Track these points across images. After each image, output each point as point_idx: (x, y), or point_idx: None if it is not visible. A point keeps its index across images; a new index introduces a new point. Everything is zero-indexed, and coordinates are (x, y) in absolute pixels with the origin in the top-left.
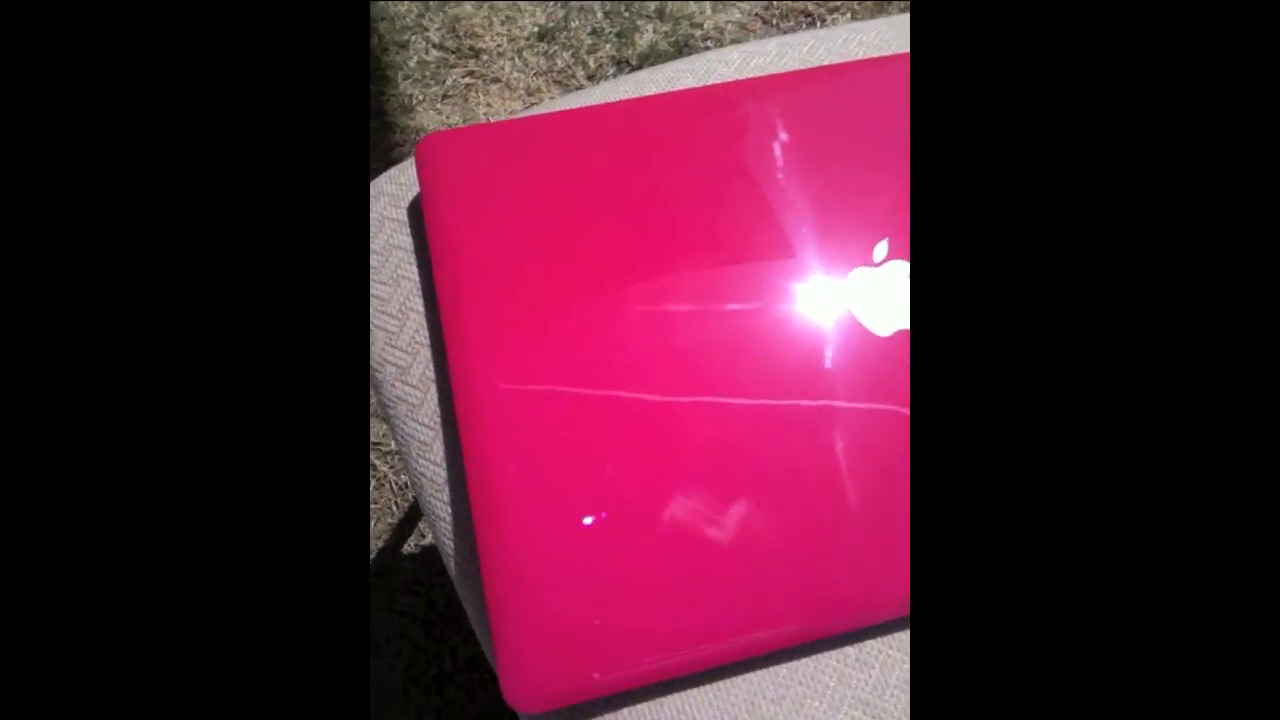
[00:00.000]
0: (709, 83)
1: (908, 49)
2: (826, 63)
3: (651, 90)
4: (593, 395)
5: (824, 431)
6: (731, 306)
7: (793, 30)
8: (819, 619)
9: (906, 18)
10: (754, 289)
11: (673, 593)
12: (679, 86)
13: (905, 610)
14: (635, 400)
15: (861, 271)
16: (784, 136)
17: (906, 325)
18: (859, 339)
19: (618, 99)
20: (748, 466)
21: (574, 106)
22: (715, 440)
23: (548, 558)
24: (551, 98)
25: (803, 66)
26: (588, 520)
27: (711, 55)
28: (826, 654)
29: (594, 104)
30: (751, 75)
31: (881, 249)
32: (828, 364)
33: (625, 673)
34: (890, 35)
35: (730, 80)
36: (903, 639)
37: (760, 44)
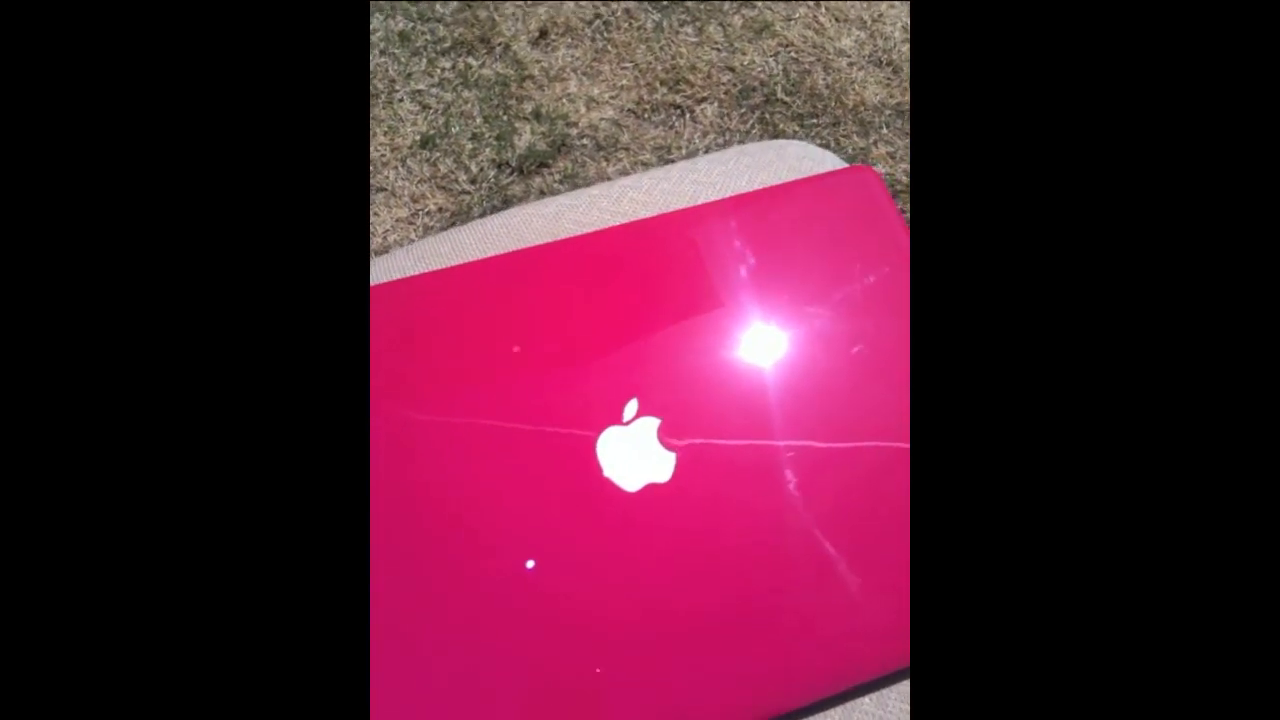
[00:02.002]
0: (585, 218)
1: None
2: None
3: (535, 224)
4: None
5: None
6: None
7: (664, 122)
8: None
9: (750, 148)
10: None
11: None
12: (560, 222)
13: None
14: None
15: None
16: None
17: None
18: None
19: (496, 231)
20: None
21: (462, 233)
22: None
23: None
24: (436, 204)
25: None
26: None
27: (630, 182)
28: None
29: (473, 260)
30: (622, 213)
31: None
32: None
33: None
34: (739, 166)
35: (579, 234)
36: None
37: (661, 172)
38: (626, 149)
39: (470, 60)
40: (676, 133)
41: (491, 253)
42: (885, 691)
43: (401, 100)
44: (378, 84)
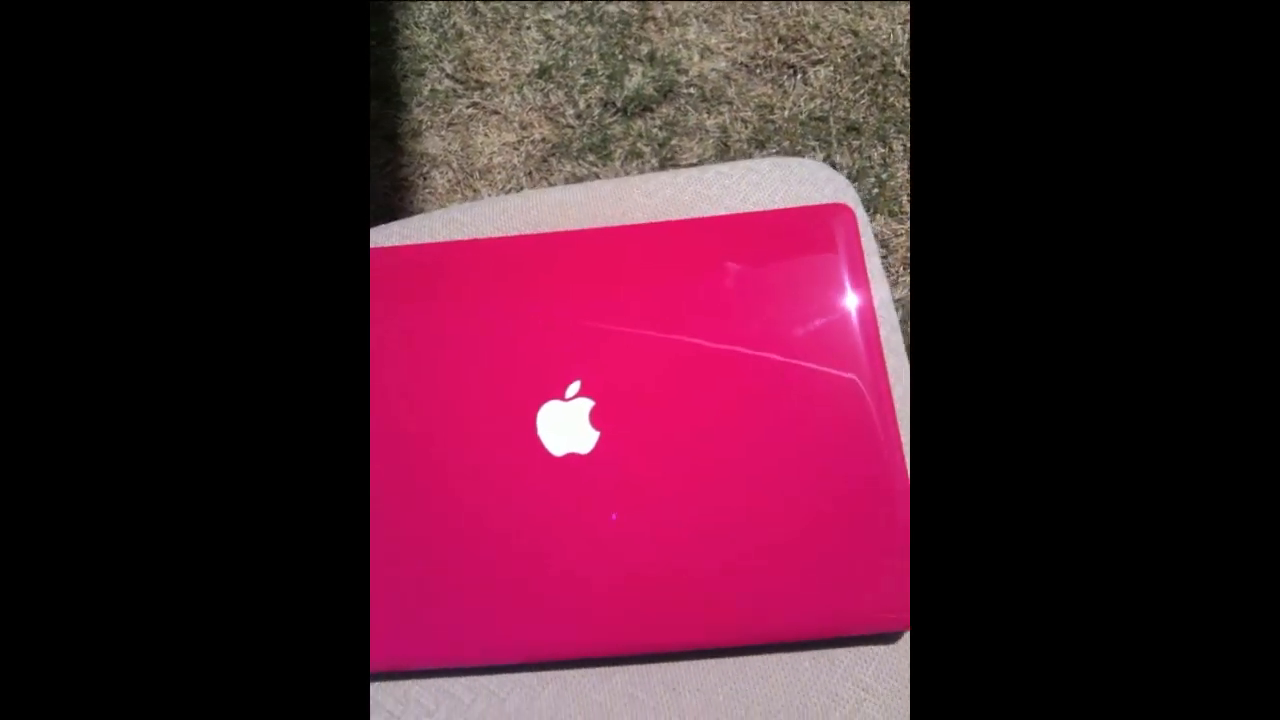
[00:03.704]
0: (619, 209)
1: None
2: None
3: (573, 205)
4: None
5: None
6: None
7: (774, 80)
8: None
9: (760, 165)
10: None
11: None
12: (597, 207)
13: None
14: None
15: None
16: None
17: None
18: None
19: (535, 208)
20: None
21: (499, 205)
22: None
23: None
24: (541, 133)
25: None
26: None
27: (638, 181)
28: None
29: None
30: (650, 211)
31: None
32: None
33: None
34: (743, 184)
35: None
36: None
37: (670, 176)
38: (730, 103)
39: None
40: (784, 93)
41: (498, 232)
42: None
43: (529, 29)
44: (510, 9)
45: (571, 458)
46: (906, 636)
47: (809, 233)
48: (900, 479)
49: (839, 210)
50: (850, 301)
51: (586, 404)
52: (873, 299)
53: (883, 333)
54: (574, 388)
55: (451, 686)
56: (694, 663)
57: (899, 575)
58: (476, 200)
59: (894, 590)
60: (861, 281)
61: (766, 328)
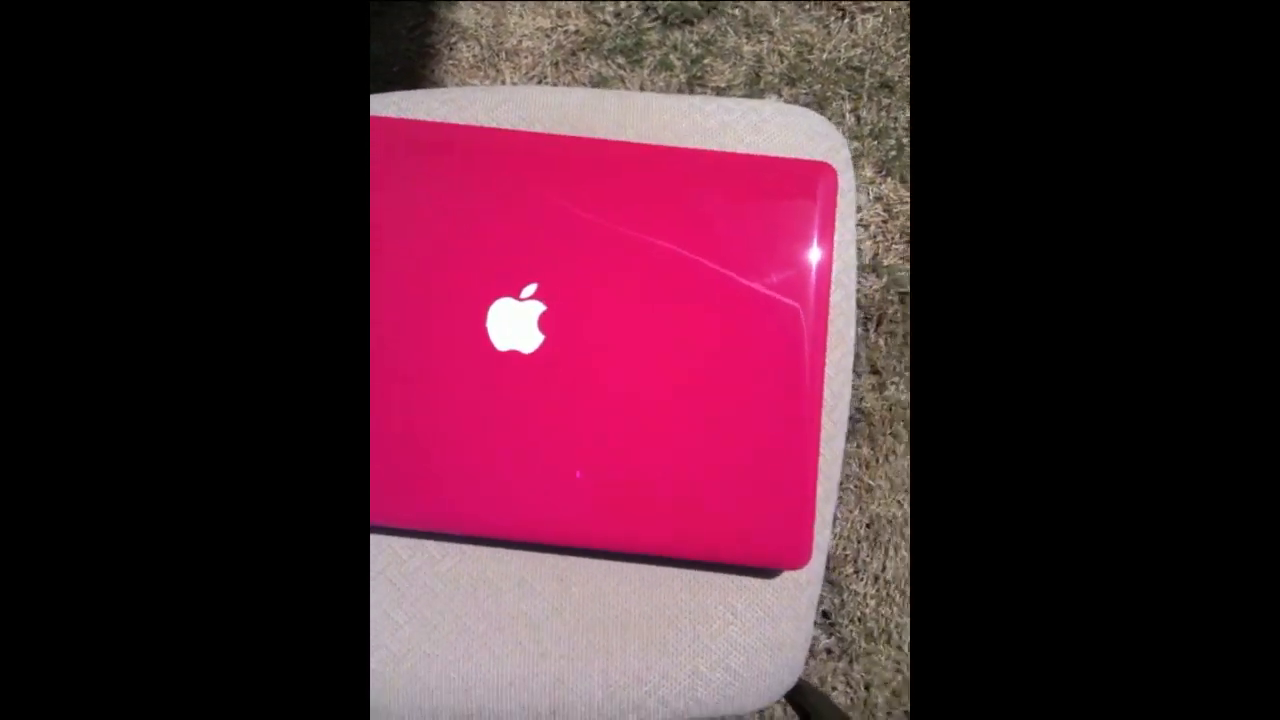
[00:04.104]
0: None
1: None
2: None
3: (571, 109)
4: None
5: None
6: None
7: (820, 19)
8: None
9: (766, 107)
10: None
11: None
12: (594, 118)
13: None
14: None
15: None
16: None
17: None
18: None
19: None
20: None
21: (496, 92)
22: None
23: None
24: (575, 25)
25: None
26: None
27: (640, 99)
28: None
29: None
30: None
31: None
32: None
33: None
34: (783, 120)
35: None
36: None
37: (673, 100)
38: (771, 34)
39: None
40: (828, 34)
41: (493, 121)
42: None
43: None
44: None
45: (513, 355)
46: (783, 573)
47: (787, 184)
48: (813, 428)
49: (822, 169)
50: (811, 256)
51: (538, 307)
52: (831, 259)
53: (835, 296)
54: (530, 289)
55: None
56: (586, 560)
57: (801, 517)
58: (477, 87)
59: (794, 529)
60: (827, 241)
61: (723, 254)
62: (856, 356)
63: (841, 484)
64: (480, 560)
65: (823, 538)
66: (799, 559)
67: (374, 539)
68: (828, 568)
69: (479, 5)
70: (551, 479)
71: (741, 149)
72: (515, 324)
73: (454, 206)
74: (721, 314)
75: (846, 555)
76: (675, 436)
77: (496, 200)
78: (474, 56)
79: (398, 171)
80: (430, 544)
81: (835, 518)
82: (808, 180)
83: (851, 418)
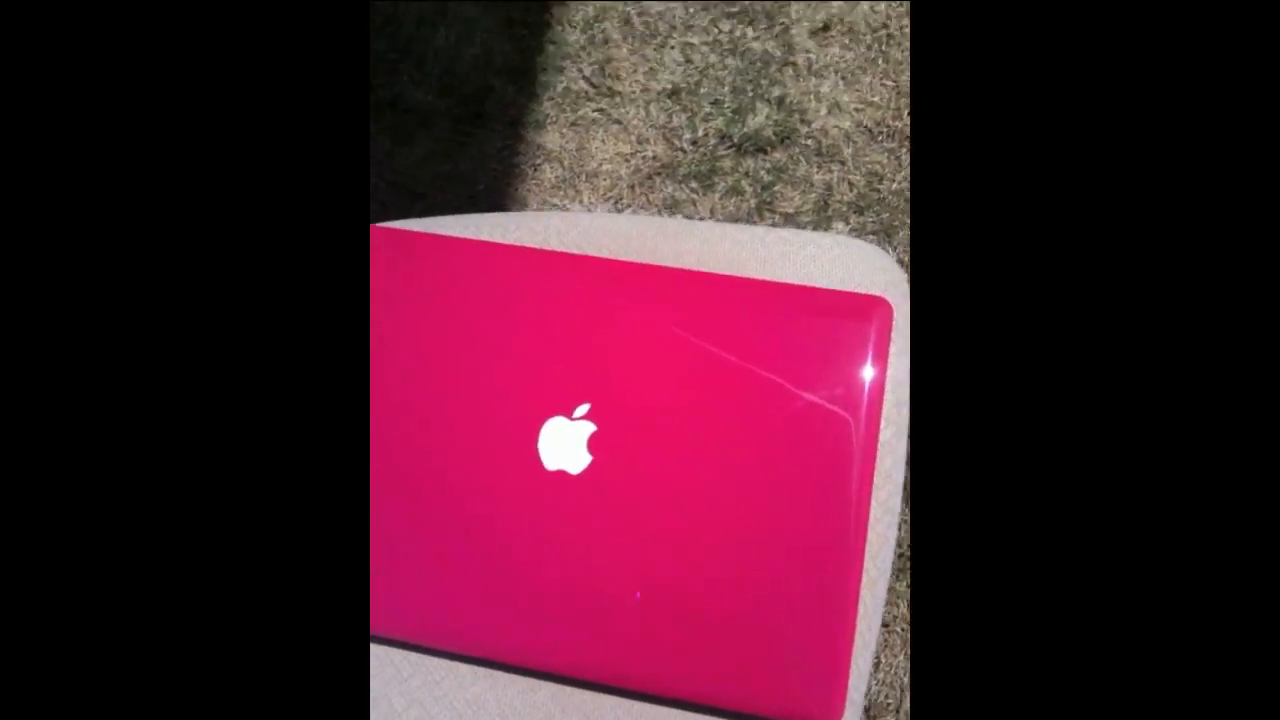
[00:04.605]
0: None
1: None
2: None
3: (634, 235)
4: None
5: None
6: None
7: (890, 151)
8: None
9: (825, 239)
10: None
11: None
12: (656, 242)
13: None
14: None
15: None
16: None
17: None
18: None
19: (581, 233)
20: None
21: (541, 220)
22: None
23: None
24: (654, 151)
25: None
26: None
27: (702, 228)
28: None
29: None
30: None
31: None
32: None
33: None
34: (842, 253)
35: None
36: None
37: (734, 230)
38: (843, 163)
39: (749, 30)
40: (898, 165)
41: (580, 246)
42: None
43: (672, 48)
44: (660, 25)
45: (561, 475)
46: None
47: (842, 317)
48: (855, 573)
49: (878, 304)
50: (860, 388)
51: (589, 427)
52: (883, 388)
53: (886, 434)
54: (582, 409)
55: (395, 658)
56: (614, 699)
57: (837, 669)
58: (552, 211)
59: (829, 683)
60: (880, 375)
61: (775, 370)
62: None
63: (888, 625)
64: (509, 689)
65: (858, 692)
66: (829, 716)
67: (413, 657)
68: (868, 715)
69: (565, 130)
70: (591, 609)
71: (800, 280)
72: (566, 444)
73: (509, 325)
74: (768, 440)
75: (889, 704)
76: (716, 570)
77: (551, 320)
78: (556, 177)
79: (457, 290)
80: (463, 667)
81: (878, 662)
82: (862, 311)
83: (901, 554)
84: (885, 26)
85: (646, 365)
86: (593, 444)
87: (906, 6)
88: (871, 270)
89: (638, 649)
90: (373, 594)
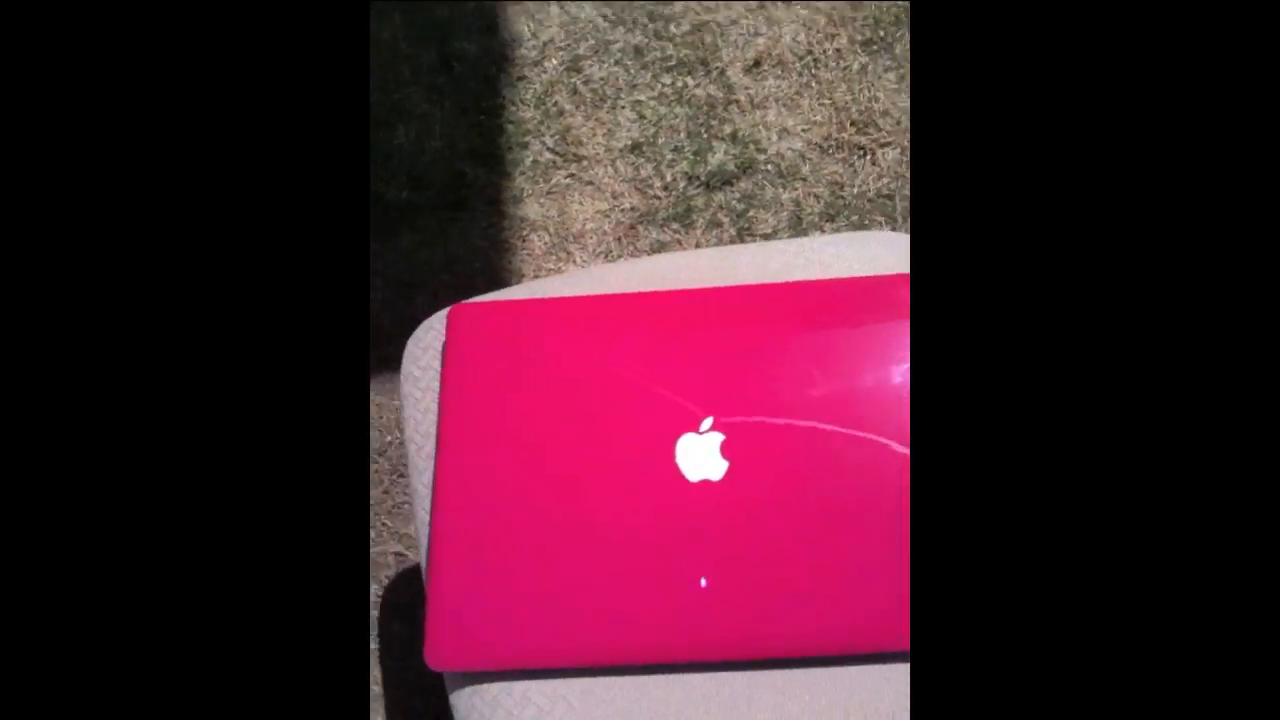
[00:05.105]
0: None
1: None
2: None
3: (684, 269)
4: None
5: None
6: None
7: (845, 160)
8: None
9: (837, 238)
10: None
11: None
12: (685, 274)
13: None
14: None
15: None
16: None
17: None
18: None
19: (622, 278)
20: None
21: (594, 273)
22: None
23: (483, 549)
24: (630, 203)
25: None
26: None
27: (704, 254)
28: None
29: (593, 293)
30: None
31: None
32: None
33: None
34: (854, 249)
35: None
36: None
37: (761, 247)
38: (804, 180)
39: (689, 80)
40: (854, 172)
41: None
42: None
43: (624, 108)
44: (608, 90)
45: (705, 484)
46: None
47: (879, 300)
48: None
49: (899, 281)
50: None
51: (718, 436)
52: None
53: None
54: (707, 423)
55: (534, 690)
56: (754, 674)
57: (895, 597)
58: (598, 265)
59: (889, 608)
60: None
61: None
62: None
63: None
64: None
65: None
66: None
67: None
68: None
69: (543, 200)
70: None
71: (830, 275)
72: (701, 455)
73: (620, 364)
74: (852, 420)
75: None
76: (823, 539)
77: (656, 351)
78: (545, 245)
79: (557, 345)
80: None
81: None
82: (897, 293)
83: None
84: (810, 53)
85: (751, 374)
86: (725, 450)
87: (824, 32)
88: (884, 245)
89: (779, 620)
90: (550, 629)
